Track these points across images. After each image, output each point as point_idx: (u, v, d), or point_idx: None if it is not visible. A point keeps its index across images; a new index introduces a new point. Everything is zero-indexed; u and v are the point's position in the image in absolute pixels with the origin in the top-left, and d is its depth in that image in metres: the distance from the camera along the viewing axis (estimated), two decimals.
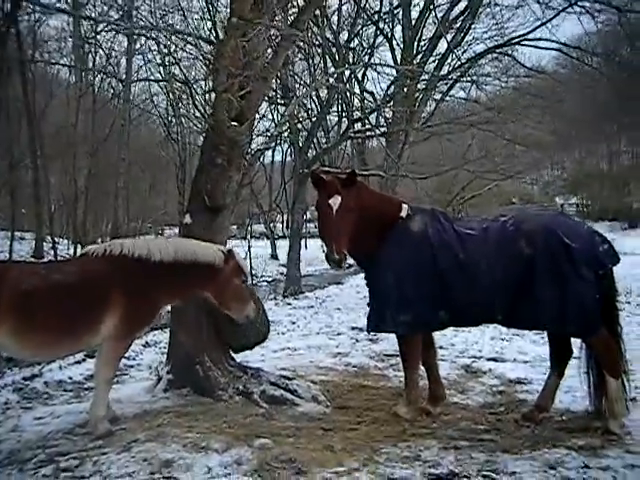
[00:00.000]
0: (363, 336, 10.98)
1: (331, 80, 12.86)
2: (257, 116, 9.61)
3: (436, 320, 6.04)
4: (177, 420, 5.90)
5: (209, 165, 6.73)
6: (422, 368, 6.54)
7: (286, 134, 21.97)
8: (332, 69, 19.28)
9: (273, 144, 22.75)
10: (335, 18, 20.78)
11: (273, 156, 40.52)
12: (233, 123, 6.11)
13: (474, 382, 7.80)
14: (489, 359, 9.04)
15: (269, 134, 8.64)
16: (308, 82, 18.09)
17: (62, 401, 7.37)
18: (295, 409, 6.44)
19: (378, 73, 16.48)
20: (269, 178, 39.52)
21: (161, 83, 18.14)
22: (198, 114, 7.67)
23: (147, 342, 10.72)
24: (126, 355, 9.58)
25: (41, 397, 7.56)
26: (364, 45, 21.85)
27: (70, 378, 8.26)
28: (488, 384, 7.68)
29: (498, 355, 9.30)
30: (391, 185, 19.16)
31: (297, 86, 19.97)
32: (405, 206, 6.24)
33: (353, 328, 12.18)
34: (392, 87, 19.51)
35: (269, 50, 6.96)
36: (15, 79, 23.17)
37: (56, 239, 27.07)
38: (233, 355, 7.09)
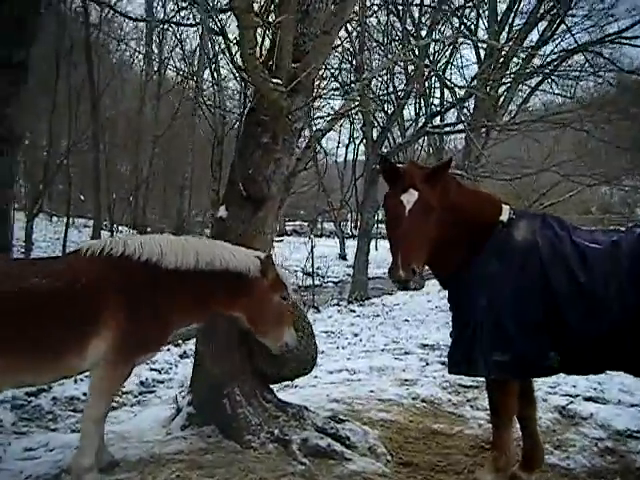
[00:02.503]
0: (434, 357, 9.60)
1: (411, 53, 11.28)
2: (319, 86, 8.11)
3: (543, 363, 4.36)
4: (188, 474, 4.46)
5: (250, 143, 5.21)
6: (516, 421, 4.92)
7: (355, 114, 20.63)
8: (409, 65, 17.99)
9: (336, 125, 20.91)
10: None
11: (346, 153, 39.64)
12: (275, 80, 4.61)
13: (573, 432, 6.19)
14: (587, 399, 7.37)
15: (333, 112, 7.02)
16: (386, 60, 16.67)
17: (66, 425, 6.14)
18: (345, 466, 4.82)
19: (460, 69, 14.94)
20: (341, 175, 38.32)
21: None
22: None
23: (185, 352, 9.40)
24: (157, 368, 8.39)
25: (44, 418, 6.38)
26: (445, 42, 20.54)
27: (84, 394, 6.94)
28: (591, 436, 6.07)
29: (597, 394, 7.58)
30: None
31: (373, 67, 18.55)
32: (506, 208, 4.62)
33: (423, 346, 10.82)
34: (474, 81, 18.11)
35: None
36: (79, 60, 22.42)
37: (117, 227, 26.52)
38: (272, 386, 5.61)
